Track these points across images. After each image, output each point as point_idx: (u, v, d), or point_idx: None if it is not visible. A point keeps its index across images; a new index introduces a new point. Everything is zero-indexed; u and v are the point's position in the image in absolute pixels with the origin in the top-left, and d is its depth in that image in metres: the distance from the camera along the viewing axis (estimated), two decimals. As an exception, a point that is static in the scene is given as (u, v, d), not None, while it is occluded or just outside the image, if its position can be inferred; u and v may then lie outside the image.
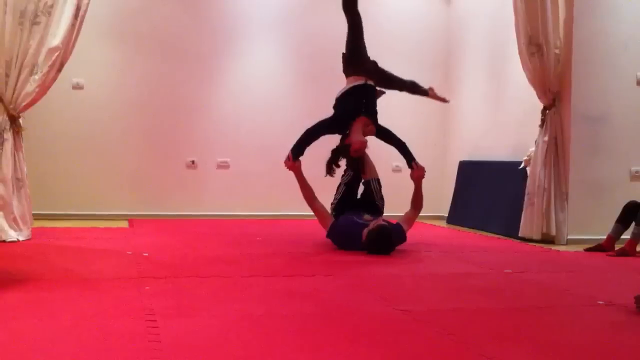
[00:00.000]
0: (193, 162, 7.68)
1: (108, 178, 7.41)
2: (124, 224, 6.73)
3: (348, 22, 5.65)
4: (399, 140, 5.55)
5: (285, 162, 5.37)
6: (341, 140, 5.45)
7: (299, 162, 5.34)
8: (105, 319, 2.77)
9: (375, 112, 5.48)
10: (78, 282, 3.61)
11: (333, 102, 5.55)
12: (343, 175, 5.64)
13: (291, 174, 5.20)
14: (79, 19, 5.43)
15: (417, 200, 5.50)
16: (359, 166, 5.48)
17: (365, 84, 5.46)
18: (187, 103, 7.65)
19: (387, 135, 5.57)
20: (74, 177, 7.29)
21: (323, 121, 5.43)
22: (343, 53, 5.66)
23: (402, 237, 5.16)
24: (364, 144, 5.31)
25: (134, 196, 7.46)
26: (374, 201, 5.46)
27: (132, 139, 7.49)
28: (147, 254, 4.62)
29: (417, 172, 5.50)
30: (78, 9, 5.41)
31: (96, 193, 7.34)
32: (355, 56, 5.57)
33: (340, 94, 5.51)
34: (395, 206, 5.89)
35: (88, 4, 5.49)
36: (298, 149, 5.35)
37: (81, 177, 7.31)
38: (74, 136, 7.30)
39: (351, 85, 5.47)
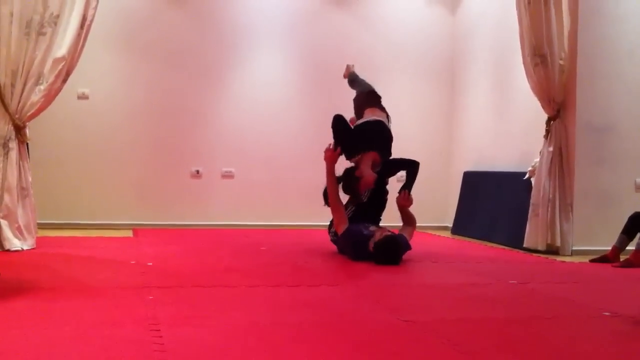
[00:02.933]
0: (198, 171, 7.69)
1: (113, 187, 7.42)
2: (129, 234, 6.73)
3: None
4: (412, 163, 5.45)
5: (326, 151, 5.28)
6: (348, 171, 5.33)
7: (337, 153, 5.23)
8: (109, 328, 2.77)
9: (388, 151, 5.41)
10: (82, 291, 3.61)
11: (337, 111, 5.52)
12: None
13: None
14: (84, 29, 5.46)
15: (407, 220, 5.46)
16: (355, 193, 5.34)
17: (384, 121, 5.45)
18: (192, 113, 7.67)
19: (396, 166, 5.51)
20: (79, 186, 7.31)
21: (347, 127, 5.38)
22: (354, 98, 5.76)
23: (407, 246, 5.16)
24: (374, 179, 5.18)
25: (138, 205, 7.47)
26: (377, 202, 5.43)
27: (137, 148, 7.51)
28: (151, 264, 4.62)
29: (403, 202, 5.40)
30: (84, 19, 5.44)
31: (101, 202, 7.36)
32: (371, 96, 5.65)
33: (361, 122, 5.46)
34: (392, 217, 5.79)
35: (94, 14, 5.52)
36: (338, 140, 5.30)
37: (86, 187, 7.33)
38: (79, 146, 7.33)
39: (374, 118, 5.44)
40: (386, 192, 5.52)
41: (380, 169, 5.32)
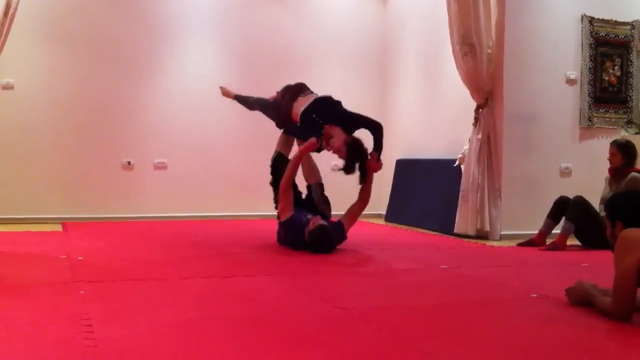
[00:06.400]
0: (129, 163, 7.56)
1: (41, 180, 7.22)
2: (58, 228, 6.57)
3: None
4: (375, 125, 5.39)
5: (311, 141, 5.13)
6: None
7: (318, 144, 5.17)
8: (39, 326, 2.71)
9: (335, 116, 5.29)
10: (10, 288, 3.51)
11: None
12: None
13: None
14: (8, 17, 5.30)
15: (364, 191, 5.37)
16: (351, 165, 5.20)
17: (308, 106, 5.35)
18: (123, 103, 7.53)
19: (358, 123, 5.37)
20: (4, 180, 7.08)
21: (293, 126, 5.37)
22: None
23: (342, 236, 5.18)
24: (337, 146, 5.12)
25: (67, 199, 7.30)
26: (316, 207, 5.40)
27: (65, 140, 7.32)
28: (82, 258, 4.52)
29: (373, 164, 5.30)
30: (8, 7, 5.28)
31: (28, 196, 7.15)
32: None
33: (301, 113, 5.35)
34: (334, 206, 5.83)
35: (18, 2, 5.36)
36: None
37: (12, 180, 7.10)
38: (4, 138, 7.09)
39: (308, 101, 5.36)
40: (325, 202, 5.48)
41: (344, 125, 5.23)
